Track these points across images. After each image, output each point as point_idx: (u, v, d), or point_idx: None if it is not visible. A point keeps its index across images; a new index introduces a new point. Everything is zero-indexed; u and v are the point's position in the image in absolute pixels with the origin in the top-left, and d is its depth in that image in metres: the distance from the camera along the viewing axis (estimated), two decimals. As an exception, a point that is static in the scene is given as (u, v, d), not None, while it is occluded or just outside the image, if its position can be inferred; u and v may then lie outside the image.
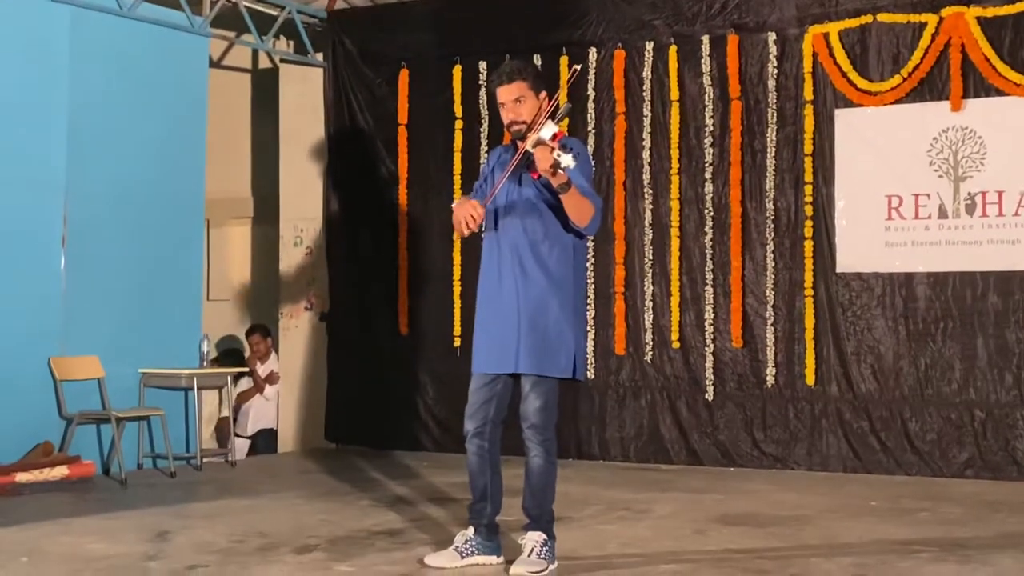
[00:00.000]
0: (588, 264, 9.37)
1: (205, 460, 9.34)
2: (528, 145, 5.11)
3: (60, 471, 8.10)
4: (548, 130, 5.07)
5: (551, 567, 5.26)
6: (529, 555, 5.25)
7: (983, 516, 6.97)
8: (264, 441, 10.98)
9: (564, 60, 9.57)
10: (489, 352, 5.39)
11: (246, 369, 11.01)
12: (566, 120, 8.70)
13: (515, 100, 5.32)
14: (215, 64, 11.37)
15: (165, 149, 9.50)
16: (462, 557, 5.41)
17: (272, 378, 11.03)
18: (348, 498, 7.70)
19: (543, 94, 5.36)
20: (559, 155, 4.91)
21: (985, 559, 5.62)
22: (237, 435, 10.44)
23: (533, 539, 5.29)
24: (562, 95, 5.51)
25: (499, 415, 5.41)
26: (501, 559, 5.44)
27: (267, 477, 8.98)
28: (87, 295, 8.80)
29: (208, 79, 10.05)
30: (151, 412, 9.00)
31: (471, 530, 5.46)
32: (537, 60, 9.70)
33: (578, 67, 5.47)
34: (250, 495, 7.89)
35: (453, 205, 5.39)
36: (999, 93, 8.52)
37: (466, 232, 5.26)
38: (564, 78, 9.35)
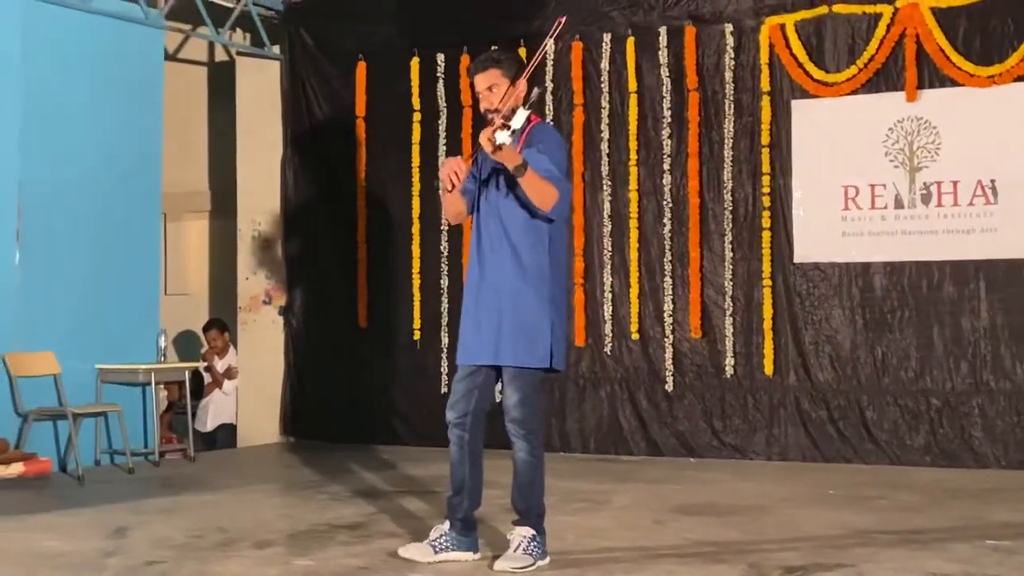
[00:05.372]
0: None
1: (163, 456, 9.29)
2: (483, 135, 5.02)
3: (16, 468, 8.04)
4: (519, 118, 4.98)
5: (540, 563, 5.16)
6: (515, 550, 5.16)
7: (940, 503, 7.03)
8: (223, 436, 10.92)
9: (522, 52, 9.54)
10: (467, 343, 5.30)
11: (203, 364, 10.95)
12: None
13: (487, 88, 5.26)
14: (171, 57, 11.30)
15: (121, 143, 9.41)
16: (435, 552, 5.29)
17: (230, 373, 10.97)
18: (307, 492, 7.67)
19: (520, 82, 5.23)
20: (496, 133, 4.85)
21: (942, 546, 5.66)
22: (196, 430, 10.39)
23: (520, 534, 5.19)
24: (549, 44, 5.38)
25: (481, 407, 5.29)
26: (477, 555, 5.33)
27: (226, 472, 8.92)
28: (42, 290, 8.71)
29: (164, 72, 9.98)
30: (108, 408, 8.93)
31: (447, 524, 5.34)
32: (495, 52, 9.70)
33: (563, 18, 5.38)
34: (209, 490, 7.84)
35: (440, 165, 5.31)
36: (953, 83, 8.59)
37: (450, 188, 5.17)
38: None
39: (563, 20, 5.32)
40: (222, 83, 11.66)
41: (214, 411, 10.98)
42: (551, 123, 9.00)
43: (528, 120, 5.05)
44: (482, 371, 5.29)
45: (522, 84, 5.23)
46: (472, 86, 5.40)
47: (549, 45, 5.41)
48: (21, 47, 8.67)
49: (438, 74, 10.11)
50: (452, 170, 5.12)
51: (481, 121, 9.89)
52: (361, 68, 10.45)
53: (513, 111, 5.05)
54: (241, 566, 5.38)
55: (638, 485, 7.86)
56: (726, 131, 9.18)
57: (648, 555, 5.53)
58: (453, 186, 5.15)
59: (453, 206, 5.42)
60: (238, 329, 11.04)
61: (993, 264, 8.49)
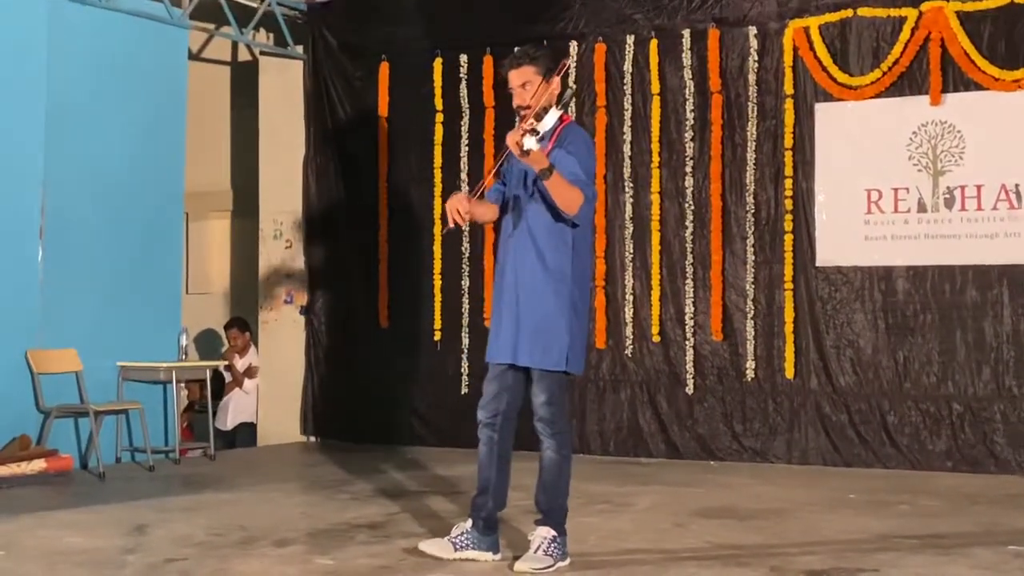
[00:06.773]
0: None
1: (184, 454, 9.32)
2: (511, 137, 4.99)
3: (37, 465, 8.06)
4: (550, 117, 4.96)
5: (560, 564, 5.16)
6: (535, 551, 5.16)
7: (962, 509, 7.00)
8: (243, 435, 10.94)
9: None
10: (492, 341, 5.32)
11: (224, 363, 10.98)
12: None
13: (521, 85, 5.23)
14: (194, 56, 11.33)
15: (144, 141, 9.45)
16: (455, 549, 5.30)
17: (251, 372, 10.99)
18: (327, 492, 7.67)
19: (554, 79, 5.23)
20: (525, 137, 4.83)
21: (964, 551, 5.63)
22: (216, 429, 10.41)
23: (541, 535, 5.19)
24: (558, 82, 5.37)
25: (512, 408, 5.30)
26: (497, 556, 5.33)
27: (246, 471, 8.95)
28: (65, 287, 8.75)
29: (187, 71, 10.01)
30: (129, 405, 8.96)
31: (468, 523, 5.35)
32: (518, 53, 9.71)
33: (567, 60, 5.39)
34: (229, 489, 7.86)
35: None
36: (978, 87, 8.55)
37: (452, 225, 5.23)
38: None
39: (566, 62, 5.31)
40: (245, 83, 11.69)
41: (234, 410, 11.00)
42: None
43: (560, 120, 5.03)
44: (512, 372, 5.30)
45: (555, 82, 5.23)
46: (505, 82, 5.37)
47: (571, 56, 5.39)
48: (46, 46, 8.71)
49: (461, 75, 10.11)
50: (454, 208, 5.17)
51: (505, 121, 9.96)
52: (384, 68, 10.46)
53: (545, 110, 5.04)
54: (261, 564, 5.39)
55: (658, 488, 7.85)
56: (749, 134, 9.16)
57: (669, 558, 5.51)
58: (455, 225, 5.20)
59: (483, 217, 5.48)
60: (259, 328, 11.06)
61: (1017, 269, 8.45)
